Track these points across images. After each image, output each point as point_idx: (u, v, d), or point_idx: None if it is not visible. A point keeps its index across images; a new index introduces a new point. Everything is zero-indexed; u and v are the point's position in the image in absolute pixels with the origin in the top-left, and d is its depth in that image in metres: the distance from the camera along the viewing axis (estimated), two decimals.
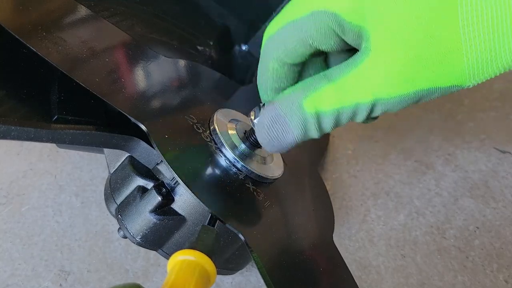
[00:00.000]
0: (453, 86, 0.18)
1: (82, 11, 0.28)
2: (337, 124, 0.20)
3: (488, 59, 0.17)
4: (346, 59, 0.22)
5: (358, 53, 0.19)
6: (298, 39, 0.20)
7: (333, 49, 0.21)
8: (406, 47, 0.18)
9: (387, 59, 0.18)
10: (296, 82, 0.23)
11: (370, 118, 0.21)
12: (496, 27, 0.16)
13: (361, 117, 0.20)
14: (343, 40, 0.20)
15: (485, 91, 0.54)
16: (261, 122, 0.22)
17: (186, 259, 0.18)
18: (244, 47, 0.43)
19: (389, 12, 0.18)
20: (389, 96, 0.19)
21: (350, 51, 0.22)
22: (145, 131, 0.23)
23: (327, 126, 0.20)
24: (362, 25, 0.18)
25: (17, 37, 0.23)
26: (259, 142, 0.22)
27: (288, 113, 0.21)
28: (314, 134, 0.21)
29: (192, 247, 0.19)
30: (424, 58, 0.18)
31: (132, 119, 0.23)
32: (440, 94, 0.19)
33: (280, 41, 0.21)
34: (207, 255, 0.19)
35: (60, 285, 0.34)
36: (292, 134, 0.21)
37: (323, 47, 0.20)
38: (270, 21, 0.22)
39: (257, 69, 0.23)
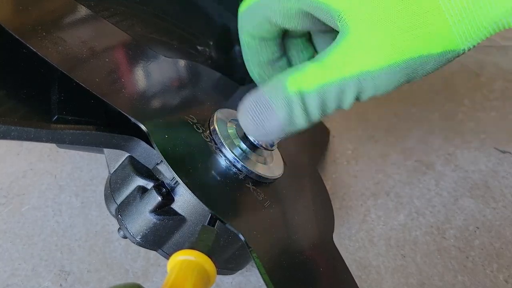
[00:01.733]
0: (446, 51, 0.17)
1: (82, 11, 0.28)
2: (323, 106, 0.19)
3: (473, 13, 0.16)
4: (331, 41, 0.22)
5: (339, 34, 0.19)
6: (263, 17, 0.21)
7: (298, 29, 0.21)
8: (381, 13, 0.17)
9: (368, 30, 0.17)
10: (277, 57, 0.24)
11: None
12: None
13: (349, 97, 0.19)
14: (315, 20, 0.20)
15: (485, 91, 0.54)
16: (244, 105, 0.21)
17: (186, 259, 0.18)
18: None
19: None
20: (377, 67, 0.17)
21: (334, 32, 0.22)
22: (145, 131, 0.23)
23: (313, 107, 0.19)
24: (329, 3, 0.18)
25: (17, 37, 0.23)
26: (243, 127, 0.21)
27: (271, 94, 0.20)
28: (300, 119, 0.20)
29: (192, 247, 0.19)
30: (404, 22, 0.17)
31: (132, 119, 0.23)
32: (435, 65, 0.18)
33: (248, 17, 0.22)
34: (207, 255, 0.19)
35: (60, 285, 0.34)
36: (276, 117, 0.20)
37: (287, 26, 0.21)
38: None
39: None
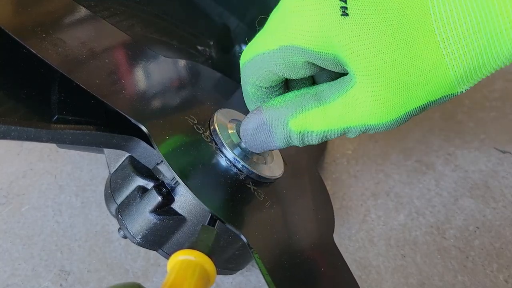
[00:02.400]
0: (444, 97, 0.18)
1: (82, 12, 0.28)
2: (323, 139, 0.21)
3: (476, 66, 0.17)
4: (334, 76, 0.22)
5: (346, 78, 0.19)
6: (268, 70, 0.21)
7: (305, 77, 0.21)
8: (387, 73, 0.17)
9: (372, 87, 0.18)
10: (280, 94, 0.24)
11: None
12: (475, 37, 0.16)
13: (352, 136, 0.20)
14: (321, 68, 0.20)
15: (485, 91, 0.54)
16: (245, 126, 0.23)
17: (186, 259, 0.18)
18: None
19: (361, 38, 0.17)
20: (379, 122, 0.19)
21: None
22: (146, 132, 0.23)
23: (312, 142, 0.21)
24: (336, 54, 0.18)
25: (16, 38, 0.23)
26: (242, 140, 0.24)
27: (273, 125, 0.21)
28: (297, 144, 0.22)
29: (192, 247, 0.19)
30: (409, 80, 0.17)
31: (133, 120, 0.23)
32: (432, 107, 0.19)
33: (253, 69, 0.21)
34: (207, 255, 0.19)
35: (60, 285, 0.34)
36: (275, 144, 0.22)
37: (294, 77, 0.21)
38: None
39: None
